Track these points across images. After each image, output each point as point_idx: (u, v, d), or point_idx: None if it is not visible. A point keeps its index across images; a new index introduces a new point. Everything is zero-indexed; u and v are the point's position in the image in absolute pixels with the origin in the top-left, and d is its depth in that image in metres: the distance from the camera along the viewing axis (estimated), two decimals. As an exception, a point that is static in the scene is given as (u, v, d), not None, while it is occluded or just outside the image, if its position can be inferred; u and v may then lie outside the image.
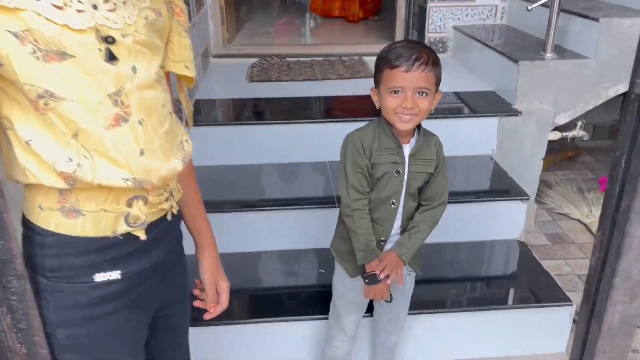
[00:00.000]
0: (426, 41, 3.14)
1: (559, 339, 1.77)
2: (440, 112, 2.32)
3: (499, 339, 1.75)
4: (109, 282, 0.84)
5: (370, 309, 1.63)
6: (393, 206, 1.32)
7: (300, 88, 2.68)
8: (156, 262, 0.90)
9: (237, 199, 2.04)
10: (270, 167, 2.26)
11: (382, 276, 1.29)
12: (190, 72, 0.93)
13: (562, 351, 1.78)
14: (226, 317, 1.62)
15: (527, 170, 2.41)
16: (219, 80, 2.85)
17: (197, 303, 1.06)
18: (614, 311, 0.67)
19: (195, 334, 1.59)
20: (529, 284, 1.84)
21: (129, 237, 0.84)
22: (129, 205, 0.82)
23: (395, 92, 1.19)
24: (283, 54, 3.23)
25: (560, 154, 3.17)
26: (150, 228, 0.86)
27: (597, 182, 2.94)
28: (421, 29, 3.14)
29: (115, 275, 0.84)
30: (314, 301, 1.66)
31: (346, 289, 1.48)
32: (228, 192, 2.09)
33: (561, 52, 2.39)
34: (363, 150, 1.26)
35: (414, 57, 1.17)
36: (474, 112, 2.34)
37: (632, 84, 0.59)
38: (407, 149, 1.29)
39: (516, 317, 1.74)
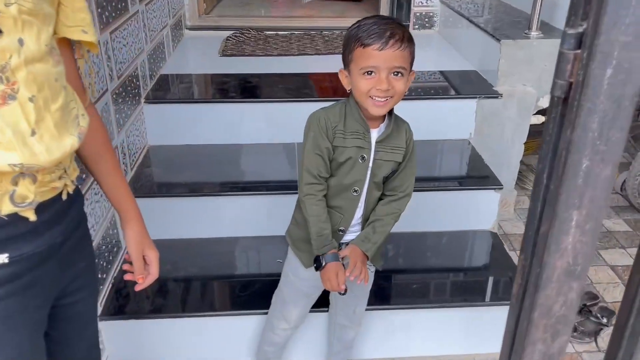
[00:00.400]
0: (412, 16, 2.99)
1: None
2: (414, 93, 2.19)
3: (462, 336, 1.67)
4: (-5, 266, 0.77)
5: (326, 303, 1.54)
6: (355, 194, 1.24)
7: (273, 64, 2.55)
8: (52, 245, 0.84)
9: (195, 181, 1.94)
10: (235, 148, 2.15)
11: (352, 278, 1.21)
12: (90, 37, 0.86)
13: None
14: (155, 311, 1.55)
15: (507, 156, 2.30)
16: (189, 54, 2.72)
17: (127, 276, 1.03)
18: (533, 350, 0.57)
19: (122, 327, 1.56)
20: (495, 280, 1.75)
21: (17, 217, 0.78)
22: (15, 183, 0.76)
23: (368, 72, 1.11)
24: (262, 27, 3.08)
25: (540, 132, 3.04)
26: (41, 208, 0.80)
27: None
28: (408, 2, 2.98)
29: (2, 258, 0.77)
30: (264, 293, 1.57)
31: (298, 279, 1.39)
32: (186, 174, 1.98)
33: (548, 30, 2.25)
34: (326, 131, 1.18)
35: (388, 33, 1.08)
36: (452, 93, 2.22)
37: (553, 85, 0.48)
38: (374, 134, 1.21)
39: (480, 314, 1.66)
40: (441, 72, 2.43)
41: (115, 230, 1.74)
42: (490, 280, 1.76)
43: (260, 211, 1.86)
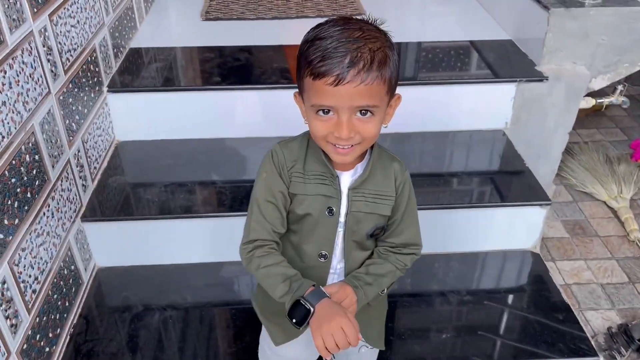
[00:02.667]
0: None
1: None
2: (434, 71, 1.79)
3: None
4: None
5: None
6: (323, 261, 0.96)
7: (267, 30, 2.13)
8: None
9: (174, 194, 1.60)
10: (225, 143, 1.79)
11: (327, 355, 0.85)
12: None
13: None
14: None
15: (547, 147, 1.94)
16: (165, 19, 2.29)
17: None
18: None
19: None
20: (541, 322, 1.44)
21: None
22: None
23: (323, 111, 0.82)
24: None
25: (585, 109, 2.66)
26: None
27: (629, 146, 2.46)
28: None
29: None
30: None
31: (277, 356, 1.09)
32: (163, 181, 1.64)
33: (607, -6, 1.82)
34: (280, 171, 0.91)
35: (347, 59, 0.76)
36: (486, 74, 1.82)
37: None
38: (346, 178, 0.92)
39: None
40: (471, 43, 2.01)
41: (73, 267, 1.42)
42: (534, 321, 1.43)
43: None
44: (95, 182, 1.63)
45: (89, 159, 1.57)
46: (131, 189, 1.64)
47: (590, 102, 1.95)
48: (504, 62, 1.88)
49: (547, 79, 1.78)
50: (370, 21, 0.82)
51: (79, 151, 1.50)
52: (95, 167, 1.63)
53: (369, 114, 0.81)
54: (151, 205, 1.56)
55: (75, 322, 1.41)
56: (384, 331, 1.11)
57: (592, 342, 1.39)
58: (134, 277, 1.57)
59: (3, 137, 1.10)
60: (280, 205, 0.92)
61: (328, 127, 0.82)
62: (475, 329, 1.42)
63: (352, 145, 0.83)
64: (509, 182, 1.70)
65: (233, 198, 1.59)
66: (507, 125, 1.87)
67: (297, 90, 0.88)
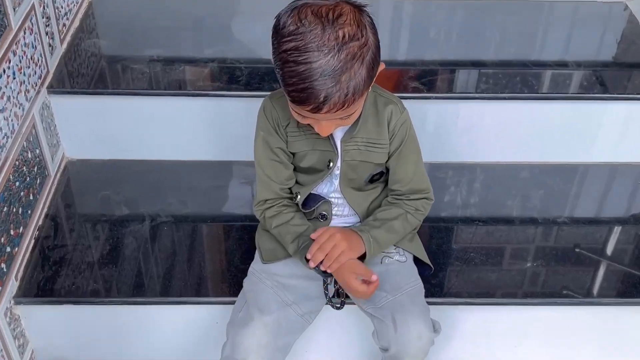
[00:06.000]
0: None
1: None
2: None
3: None
4: None
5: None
6: (323, 221, 1.22)
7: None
8: None
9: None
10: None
11: (308, 255, 1.12)
12: None
13: None
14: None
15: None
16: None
17: None
18: None
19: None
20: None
21: None
22: None
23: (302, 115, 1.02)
24: None
25: None
26: None
27: None
28: None
29: None
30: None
31: (267, 274, 1.21)
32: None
33: None
34: (277, 127, 1.13)
35: (323, 94, 0.92)
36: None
37: None
38: (337, 131, 1.11)
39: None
40: None
41: (38, 151, 1.38)
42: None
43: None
44: (65, 44, 1.57)
45: (57, 11, 1.50)
46: (110, 57, 1.58)
47: None
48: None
49: None
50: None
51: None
52: (64, 25, 1.56)
53: (348, 117, 1.02)
54: (138, 78, 1.50)
55: (40, 223, 1.39)
56: (421, 244, 1.27)
57: None
58: (116, 173, 1.54)
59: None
60: (283, 160, 1.15)
61: (307, 122, 1.02)
62: (569, 258, 1.40)
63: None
64: (628, 73, 1.62)
65: (250, 74, 1.52)
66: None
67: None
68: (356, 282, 1.08)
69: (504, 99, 1.50)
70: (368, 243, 1.12)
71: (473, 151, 1.59)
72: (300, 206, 1.20)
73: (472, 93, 1.53)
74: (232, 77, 1.52)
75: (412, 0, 1.84)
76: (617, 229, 1.50)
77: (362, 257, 1.13)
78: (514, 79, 1.55)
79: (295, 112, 1.01)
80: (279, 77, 0.96)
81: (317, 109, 0.94)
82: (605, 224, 1.51)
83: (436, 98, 1.51)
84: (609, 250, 1.44)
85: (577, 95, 1.53)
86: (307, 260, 1.12)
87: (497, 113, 1.53)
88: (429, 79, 1.54)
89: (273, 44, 0.96)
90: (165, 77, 1.53)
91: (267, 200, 1.18)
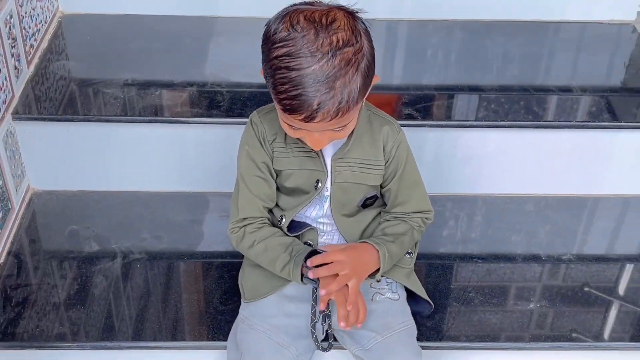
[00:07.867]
0: None
1: None
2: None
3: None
4: None
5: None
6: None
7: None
8: None
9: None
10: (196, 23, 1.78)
11: (311, 275, 1.13)
12: None
13: None
14: None
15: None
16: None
17: None
18: None
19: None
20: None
21: None
22: None
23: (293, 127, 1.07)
24: None
25: None
26: None
27: None
28: None
29: None
30: None
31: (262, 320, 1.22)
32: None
33: None
34: (262, 142, 1.18)
35: (316, 102, 0.97)
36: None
37: None
38: (328, 149, 1.16)
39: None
40: None
41: (1, 181, 1.43)
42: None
43: None
44: (32, 66, 1.62)
45: (24, 31, 1.56)
46: (80, 80, 1.63)
47: None
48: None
49: None
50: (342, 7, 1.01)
51: (10, 16, 1.48)
52: (32, 46, 1.62)
53: (341, 129, 1.06)
54: (110, 104, 1.55)
55: (2, 260, 1.43)
56: (418, 280, 1.31)
57: None
58: (85, 206, 1.59)
59: None
60: (267, 176, 1.19)
61: (298, 134, 1.06)
62: (577, 298, 1.44)
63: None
64: (638, 99, 1.68)
65: (232, 99, 1.58)
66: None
67: (261, 68, 1.04)
68: (342, 310, 1.12)
69: (506, 126, 1.56)
70: (383, 258, 1.17)
71: (473, 182, 1.64)
72: (285, 231, 1.23)
73: (471, 120, 1.58)
74: (212, 103, 1.57)
75: (407, 21, 1.90)
76: (629, 267, 1.54)
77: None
78: (517, 105, 1.61)
79: (287, 123, 1.05)
80: (270, 86, 1.00)
81: (310, 118, 0.98)
82: (616, 261, 1.56)
83: (432, 126, 1.56)
84: (621, 289, 1.48)
85: (585, 123, 1.58)
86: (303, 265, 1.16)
87: (498, 142, 1.59)
88: (425, 105, 1.60)
89: (263, 52, 1.00)
90: (140, 102, 1.57)
91: (246, 218, 1.22)
